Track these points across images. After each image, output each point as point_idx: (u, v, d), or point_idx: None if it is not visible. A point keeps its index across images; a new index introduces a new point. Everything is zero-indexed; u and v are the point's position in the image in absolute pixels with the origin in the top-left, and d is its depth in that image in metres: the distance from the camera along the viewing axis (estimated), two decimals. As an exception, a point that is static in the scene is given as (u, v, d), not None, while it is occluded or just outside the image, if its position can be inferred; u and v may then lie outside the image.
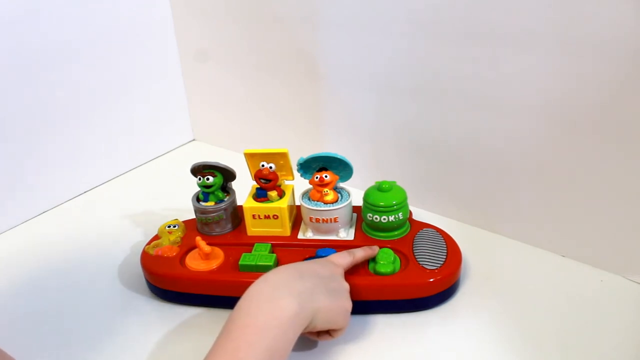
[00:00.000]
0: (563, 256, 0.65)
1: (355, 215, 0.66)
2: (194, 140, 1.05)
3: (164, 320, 0.58)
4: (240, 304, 0.45)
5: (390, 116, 0.74)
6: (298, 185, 0.66)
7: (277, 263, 0.59)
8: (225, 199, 0.65)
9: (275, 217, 0.62)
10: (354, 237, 0.62)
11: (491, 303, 0.58)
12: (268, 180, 0.63)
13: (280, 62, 0.82)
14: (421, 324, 0.56)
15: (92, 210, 0.83)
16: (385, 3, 0.67)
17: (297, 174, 0.63)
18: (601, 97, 0.55)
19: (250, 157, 0.63)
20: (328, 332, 0.51)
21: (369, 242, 0.61)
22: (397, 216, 0.60)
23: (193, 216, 0.66)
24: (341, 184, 0.64)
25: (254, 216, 0.63)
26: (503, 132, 0.64)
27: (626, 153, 0.56)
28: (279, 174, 0.63)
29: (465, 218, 0.73)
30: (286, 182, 0.66)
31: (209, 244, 0.60)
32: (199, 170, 0.64)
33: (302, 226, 0.65)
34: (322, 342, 0.53)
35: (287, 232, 0.63)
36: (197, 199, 0.65)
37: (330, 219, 0.61)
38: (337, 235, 0.63)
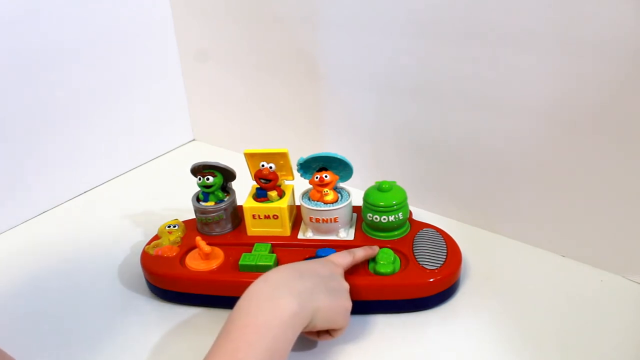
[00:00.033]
0: (563, 256, 0.65)
1: (355, 215, 0.66)
2: (194, 140, 1.05)
3: (164, 320, 0.58)
4: (240, 303, 0.45)
5: (390, 116, 0.74)
6: (298, 185, 0.66)
7: (277, 263, 0.59)
8: (225, 199, 0.65)
9: (275, 217, 0.62)
10: (354, 237, 0.62)
11: (491, 303, 0.58)
12: (268, 180, 0.63)
13: (280, 62, 0.82)
14: (421, 324, 0.56)
15: (92, 210, 0.83)
16: (385, 3, 0.67)
17: (297, 174, 0.63)
18: (601, 97, 0.55)
19: (250, 157, 0.63)
20: (328, 332, 0.51)
21: (369, 242, 0.61)
22: (397, 216, 0.60)
23: (193, 216, 0.66)
24: (341, 184, 0.64)
25: (254, 216, 0.63)
26: (503, 132, 0.64)
27: (626, 153, 0.56)
28: (279, 174, 0.63)
29: (465, 218, 0.73)
30: (286, 182, 0.66)
31: (209, 244, 0.60)
32: (199, 170, 0.64)
33: (302, 226, 0.65)
34: (322, 342, 0.53)
35: (287, 232, 0.63)
36: (197, 199, 0.65)
37: (330, 219, 0.61)
38: (337, 235, 0.63)
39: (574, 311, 0.57)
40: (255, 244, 0.61)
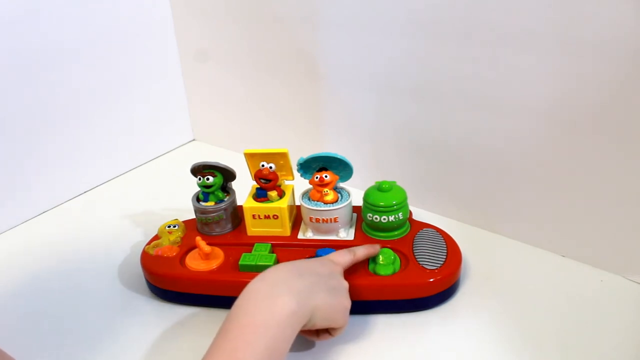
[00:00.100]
0: (563, 256, 0.65)
1: (355, 215, 0.66)
2: (194, 140, 1.05)
3: (164, 320, 0.58)
4: (238, 302, 0.45)
5: (390, 116, 0.74)
6: (298, 185, 0.66)
7: (277, 263, 0.59)
8: (225, 199, 0.65)
9: (275, 217, 0.62)
10: (354, 237, 0.62)
11: (491, 303, 0.58)
12: (268, 180, 0.63)
13: (280, 62, 0.82)
14: (421, 324, 0.56)
15: (92, 210, 0.83)
16: (385, 3, 0.67)
17: (297, 174, 0.63)
18: (601, 97, 0.55)
19: (250, 157, 0.63)
20: (327, 331, 0.51)
21: (369, 242, 0.61)
22: (397, 216, 0.60)
23: (193, 216, 0.66)
24: (341, 184, 0.64)
25: (254, 216, 0.63)
26: (503, 132, 0.64)
27: (626, 153, 0.56)
28: (279, 174, 0.63)
29: (465, 218, 0.73)
30: (286, 182, 0.66)
31: (209, 244, 0.60)
32: (199, 170, 0.64)
33: (302, 226, 0.65)
34: (322, 342, 0.53)
35: (287, 232, 0.63)
36: (197, 199, 0.65)
37: (330, 219, 0.61)
38: (337, 235, 0.63)
39: (574, 311, 0.57)
40: (255, 244, 0.61)
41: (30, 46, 0.74)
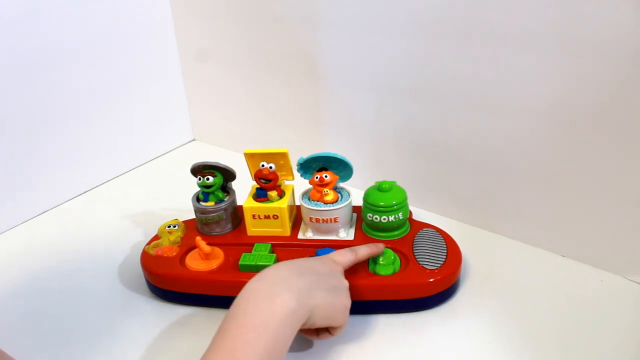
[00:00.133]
0: (563, 256, 0.65)
1: (355, 215, 0.66)
2: (194, 140, 1.05)
3: (164, 320, 0.58)
4: (237, 302, 0.45)
5: (390, 116, 0.74)
6: (298, 185, 0.66)
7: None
8: (225, 199, 0.65)
9: (275, 217, 0.62)
10: (354, 237, 0.62)
11: (491, 303, 0.58)
12: (268, 180, 0.63)
13: (280, 62, 0.82)
14: (421, 324, 0.56)
15: (92, 210, 0.83)
16: (385, 3, 0.67)
17: (297, 174, 0.63)
18: (601, 97, 0.55)
19: (250, 157, 0.63)
20: (328, 330, 0.50)
21: (369, 242, 0.60)
22: (397, 216, 0.60)
23: (193, 216, 0.66)
24: (341, 184, 0.64)
25: (254, 216, 0.63)
26: (503, 132, 0.64)
27: (626, 153, 0.56)
28: (279, 174, 0.63)
29: (465, 218, 0.73)
30: (286, 182, 0.66)
31: (209, 244, 0.60)
32: (199, 170, 0.64)
33: (302, 226, 0.65)
34: (322, 342, 0.53)
35: (287, 232, 0.63)
36: (197, 199, 0.65)
37: (330, 219, 0.61)
38: (337, 235, 0.63)
39: (574, 311, 0.57)
40: (255, 244, 0.61)
41: (30, 46, 0.74)
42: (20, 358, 0.49)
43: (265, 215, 0.62)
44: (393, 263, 0.57)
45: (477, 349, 0.53)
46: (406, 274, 0.56)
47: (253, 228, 0.64)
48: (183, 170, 0.68)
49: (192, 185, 0.65)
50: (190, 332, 0.57)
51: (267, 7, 0.79)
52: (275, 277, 0.47)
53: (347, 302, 0.50)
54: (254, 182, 0.64)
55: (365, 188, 0.63)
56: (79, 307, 0.62)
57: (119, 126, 0.90)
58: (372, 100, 0.74)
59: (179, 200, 0.75)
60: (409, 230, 0.63)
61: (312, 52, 0.77)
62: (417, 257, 0.58)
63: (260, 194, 0.63)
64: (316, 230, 0.63)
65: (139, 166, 0.95)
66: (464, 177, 0.70)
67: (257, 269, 0.57)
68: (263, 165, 0.63)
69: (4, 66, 0.72)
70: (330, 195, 0.61)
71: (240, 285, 0.46)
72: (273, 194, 0.62)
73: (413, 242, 0.61)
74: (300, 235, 0.63)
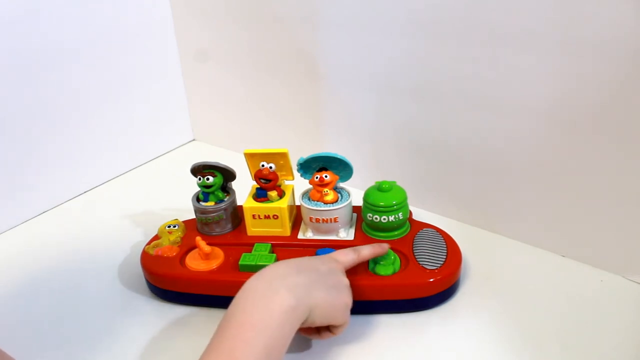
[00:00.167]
0: (563, 256, 0.65)
1: (355, 215, 0.66)
2: (194, 140, 1.05)
3: (164, 320, 0.58)
4: (236, 301, 0.45)
5: (390, 116, 0.74)
6: (298, 185, 0.66)
7: (277, 263, 0.59)
8: (225, 199, 0.65)
9: (275, 217, 0.62)
10: (354, 237, 0.62)
11: (491, 303, 0.58)
12: (268, 180, 0.63)
13: (280, 62, 0.82)
14: (421, 324, 0.56)
15: (92, 210, 0.83)
16: (385, 3, 0.67)
17: (297, 174, 0.63)
18: (601, 97, 0.55)
19: (250, 157, 0.63)
20: (329, 329, 0.50)
21: (369, 242, 0.60)
22: (397, 216, 0.60)
23: (193, 216, 0.66)
24: (341, 184, 0.64)
25: (254, 216, 0.63)
26: (503, 132, 0.64)
27: (626, 153, 0.56)
28: (279, 174, 0.63)
29: (465, 218, 0.73)
30: (286, 182, 0.66)
31: (209, 244, 0.60)
32: (199, 170, 0.64)
33: (302, 226, 0.65)
34: (322, 342, 0.53)
35: (287, 232, 0.63)
36: (197, 199, 0.65)
37: (330, 219, 0.61)
38: (337, 235, 0.63)
39: (574, 311, 0.57)
40: (255, 244, 0.61)
41: (30, 46, 0.74)
42: (20, 358, 0.49)
43: (265, 215, 0.62)
44: (393, 263, 0.57)
45: (477, 349, 0.53)
46: (406, 274, 0.56)
47: (253, 228, 0.64)
48: (183, 170, 0.68)
49: (192, 185, 0.65)
50: (190, 332, 0.57)
51: (267, 7, 0.79)
52: (273, 275, 0.47)
53: (348, 301, 0.50)
54: (254, 182, 0.64)
55: (365, 188, 0.63)
56: (79, 307, 0.62)
57: (119, 126, 0.90)
58: (372, 100, 0.74)
59: (179, 200, 0.75)
60: (409, 230, 0.63)
61: (312, 52, 0.77)
62: (417, 257, 0.58)
63: (260, 194, 0.63)
64: (316, 230, 0.63)
65: (139, 166, 0.95)
66: (464, 177, 0.70)
67: (257, 269, 0.56)
68: (263, 165, 0.63)
69: (4, 66, 0.72)
70: (330, 195, 0.61)
71: (240, 286, 0.46)
72: (273, 194, 0.62)
73: (413, 242, 0.61)
74: (300, 235, 0.63)
